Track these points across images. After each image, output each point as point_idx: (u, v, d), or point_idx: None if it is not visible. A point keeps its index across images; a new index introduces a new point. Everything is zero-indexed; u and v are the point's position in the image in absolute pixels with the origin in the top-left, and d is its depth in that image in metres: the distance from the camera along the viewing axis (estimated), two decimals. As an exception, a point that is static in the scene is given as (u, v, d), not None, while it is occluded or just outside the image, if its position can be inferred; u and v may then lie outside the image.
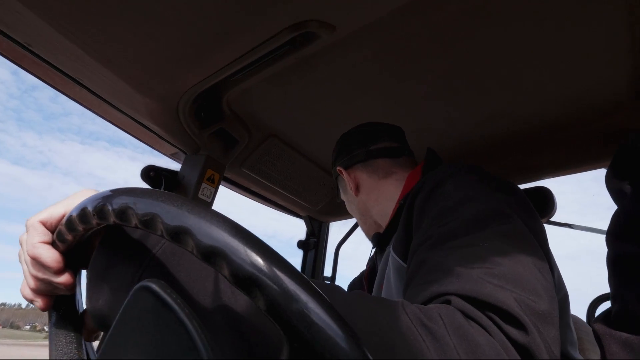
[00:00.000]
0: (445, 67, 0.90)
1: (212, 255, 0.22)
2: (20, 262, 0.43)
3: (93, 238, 0.42)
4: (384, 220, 0.87)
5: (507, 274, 0.42)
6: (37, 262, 0.40)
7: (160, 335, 0.18)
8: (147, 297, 0.19)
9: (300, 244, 1.70)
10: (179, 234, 0.24)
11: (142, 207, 0.26)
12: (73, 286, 0.42)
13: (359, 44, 0.84)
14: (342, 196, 1.02)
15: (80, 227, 0.32)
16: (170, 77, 0.88)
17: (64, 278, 0.40)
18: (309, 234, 1.70)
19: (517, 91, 0.96)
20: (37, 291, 0.42)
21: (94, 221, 0.30)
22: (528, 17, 0.75)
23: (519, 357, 0.37)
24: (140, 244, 0.38)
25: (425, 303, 0.44)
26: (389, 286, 0.68)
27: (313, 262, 1.66)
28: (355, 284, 1.01)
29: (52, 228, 0.41)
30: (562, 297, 0.61)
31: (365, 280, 0.96)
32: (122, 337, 0.20)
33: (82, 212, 0.31)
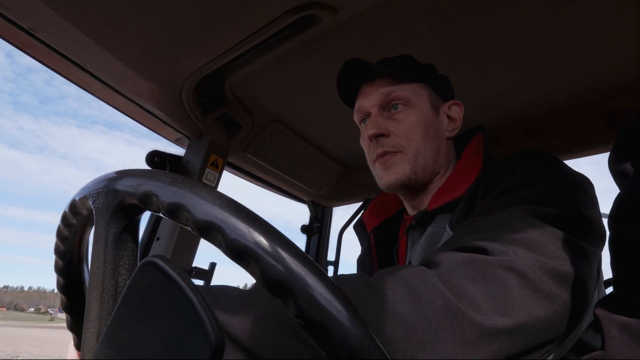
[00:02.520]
0: (448, 50, 0.89)
1: (208, 229, 0.24)
2: None
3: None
4: (439, 182, 0.77)
5: (522, 237, 0.43)
6: None
7: (167, 311, 0.19)
8: (152, 273, 0.20)
9: (304, 229, 1.71)
10: (175, 210, 0.25)
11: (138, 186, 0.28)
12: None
13: (360, 26, 0.83)
14: (413, 107, 0.76)
15: (81, 212, 0.33)
16: (173, 62, 0.88)
17: None
18: (313, 218, 1.72)
19: (522, 74, 0.95)
20: None
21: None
22: None
23: (462, 284, 0.38)
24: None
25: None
26: None
27: (317, 247, 1.67)
28: (365, 262, 0.91)
29: None
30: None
31: (375, 260, 0.89)
32: (128, 313, 0.21)
33: (84, 198, 0.32)
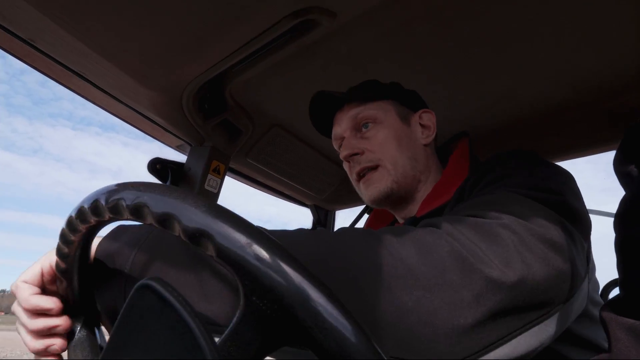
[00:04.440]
0: (448, 51, 0.89)
1: (200, 238, 0.24)
2: (19, 331, 0.44)
3: (89, 277, 0.44)
4: (425, 193, 0.78)
5: (513, 211, 0.43)
6: (36, 312, 0.41)
7: (163, 335, 0.19)
8: (148, 296, 0.20)
9: (307, 233, 1.71)
10: (165, 220, 0.26)
11: (131, 197, 0.28)
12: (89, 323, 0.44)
13: (359, 30, 0.83)
14: (382, 123, 0.80)
15: (80, 227, 0.33)
16: (172, 69, 0.88)
17: (61, 320, 0.42)
18: (316, 222, 1.71)
19: (523, 73, 0.94)
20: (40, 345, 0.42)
21: (92, 219, 0.32)
22: None
23: (466, 237, 0.39)
24: (122, 253, 0.42)
25: None
26: None
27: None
28: None
29: (38, 283, 0.43)
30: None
31: None
32: (125, 337, 0.20)
33: (80, 211, 0.31)
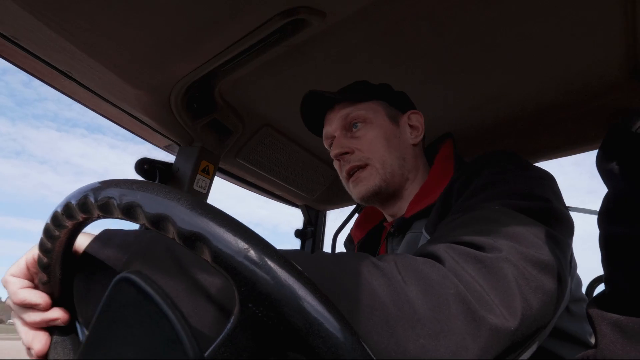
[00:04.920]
0: (438, 51, 0.89)
1: (194, 240, 0.23)
2: (16, 323, 0.45)
3: (72, 273, 0.44)
4: (413, 191, 0.80)
5: (506, 231, 0.44)
6: (25, 306, 0.42)
7: (143, 328, 0.18)
8: (127, 289, 0.19)
9: (298, 233, 1.70)
10: (159, 221, 0.25)
11: (123, 197, 0.27)
12: (70, 320, 0.43)
13: (350, 30, 0.83)
14: (371, 123, 0.81)
15: (67, 223, 0.32)
16: (160, 68, 0.87)
17: (57, 313, 0.42)
18: (306, 223, 1.71)
19: (512, 74, 0.96)
20: (31, 336, 0.43)
21: (80, 215, 0.30)
22: None
23: (471, 277, 0.38)
24: (112, 258, 0.41)
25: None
26: None
27: (311, 251, 1.66)
28: None
29: (25, 276, 0.44)
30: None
31: None
32: (104, 332, 0.20)
33: (67, 207, 0.31)
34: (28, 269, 0.44)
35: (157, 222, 0.25)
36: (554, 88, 1.00)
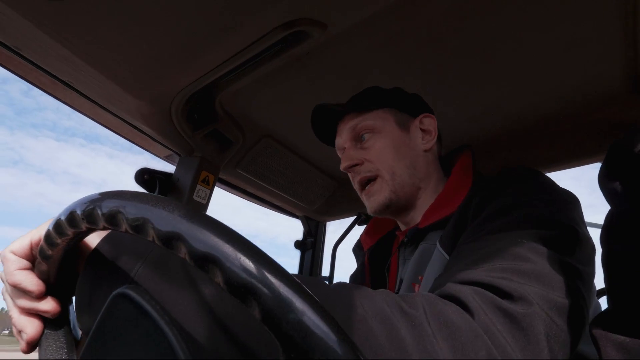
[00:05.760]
0: (437, 63, 0.90)
1: (206, 262, 0.22)
2: (5, 298, 0.43)
3: (77, 264, 0.42)
4: (427, 200, 0.79)
5: (532, 270, 0.43)
6: (18, 289, 0.40)
7: (140, 344, 0.18)
8: (125, 305, 0.19)
9: (298, 244, 1.69)
10: (171, 240, 0.23)
11: (132, 211, 0.25)
12: (61, 313, 0.42)
13: (350, 41, 0.83)
14: (380, 132, 0.80)
15: (69, 232, 0.31)
16: (161, 79, 0.87)
17: (48, 304, 0.40)
18: (306, 234, 1.70)
19: (511, 86, 0.96)
20: (24, 321, 0.41)
21: (84, 225, 0.30)
22: (521, 12, 0.75)
23: (502, 336, 0.37)
24: (122, 265, 0.38)
25: (435, 289, 0.45)
26: (428, 284, 0.63)
27: (310, 262, 1.65)
28: (357, 279, 0.91)
29: (26, 256, 0.42)
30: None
31: (367, 279, 0.89)
32: (100, 347, 0.19)
33: (71, 216, 0.30)
34: (31, 249, 0.42)
35: (168, 241, 0.24)
36: (553, 100, 1.00)
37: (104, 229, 0.30)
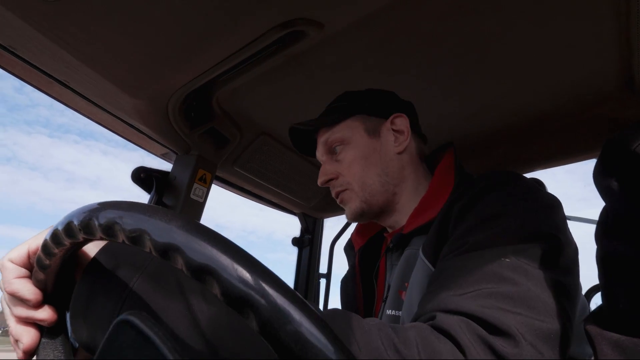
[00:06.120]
0: (434, 61, 0.90)
1: (202, 273, 0.22)
2: (2, 306, 0.43)
3: (74, 271, 0.42)
4: (408, 203, 0.78)
5: (517, 294, 0.44)
6: (15, 298, 0.40)
7: None
8: (127, 331, 0.19)
9: (295, 241, 1.70)
10: (167, 252, 0.23)
11: (129, 222, 0.25)
12: (57, 322, 0.41)
13: (347, 40, 0.83)
14: (349, 143, 0.81)
15: (66, 242, 0.31)
16: (158, 78, 0.87)
17: (45, 313, 0.40)
18: (304, 230, 1.70)
19: (506, 83, 0.97)
20: (21, 330, 0.41)
21: (80, 236, 0.30)
22: (516, 10, 0.75)
23: None
24: (120, 276, 0.38)
25: (424, 314, 0.46)
26: (413, 292, 0.63)
27: (308, 259, 1.66)
28: (348, 284, 0.91)
29: (23, 264, 0.42)
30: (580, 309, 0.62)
31: (358, 283, 0.89)
32: None
33: (68, 226, 0.30)
34: (29, 257, 0.42)
35: (164, 253, 0.24)
36: (548, 98, 1.01)
37: (101, 239, 0.30)
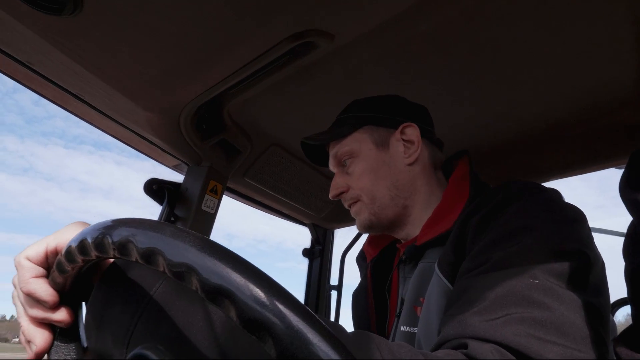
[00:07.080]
0: (446, 70, 0.89)
1: (218, 295, 0.21)
2: (15, 303, 0.41)
3: (93, 274, 0.41)
4: (420, 214, 0.76)
5: (550, 320, 0.42)
6: (32, 298, 0.39)
7: None
8: None
9: (306, 252, 1.69)
10: (182, 272, 0.23)
11: (143, 240, 0.25)
12: (72, 324, 0.40)
13: (357, 50, 0.83)
14: (358, 156, 0.79)
15: (79, 259, 0.31)
16: (171, 91, 0.88)
17: (62, 315, 0.39)
18: (314, 241, 1.69)
19: (521, 92, 0.95)
20: (34, 331, 0.40)
21: (93, 254, 0.29)
22: (529, 16, 0.74)
23: None
24: (140, 283, 0.37)
25: (452, 339, 0.44)
26: (430, 309, 0.60)
27: (319, 271, 1.64)
28: (360, 297, 0.88)
29: (41, 263, 0.40)
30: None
31: (370, 296, 0.86)
32: None
33: (81, 244, 0.30)
34: (46, 256, 0.40)
35: (180, 275, 0.23)
36: (564, 106, 0.99)
37: (114, 257, 0.29)
